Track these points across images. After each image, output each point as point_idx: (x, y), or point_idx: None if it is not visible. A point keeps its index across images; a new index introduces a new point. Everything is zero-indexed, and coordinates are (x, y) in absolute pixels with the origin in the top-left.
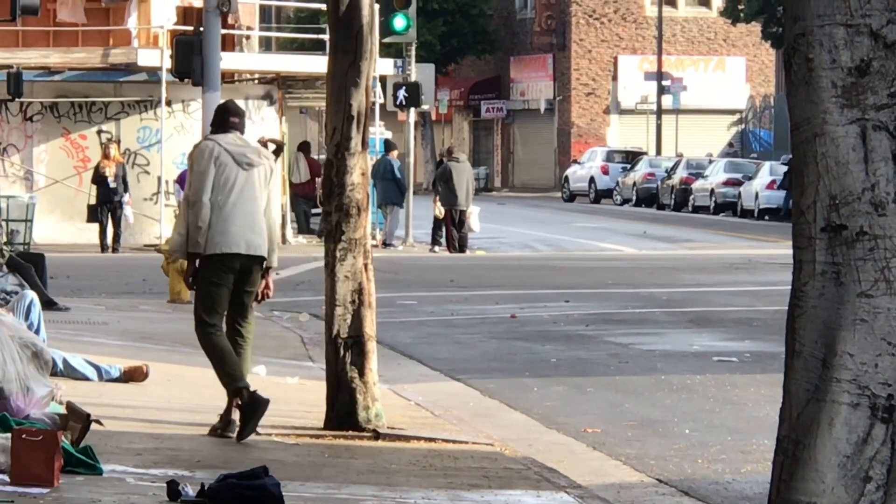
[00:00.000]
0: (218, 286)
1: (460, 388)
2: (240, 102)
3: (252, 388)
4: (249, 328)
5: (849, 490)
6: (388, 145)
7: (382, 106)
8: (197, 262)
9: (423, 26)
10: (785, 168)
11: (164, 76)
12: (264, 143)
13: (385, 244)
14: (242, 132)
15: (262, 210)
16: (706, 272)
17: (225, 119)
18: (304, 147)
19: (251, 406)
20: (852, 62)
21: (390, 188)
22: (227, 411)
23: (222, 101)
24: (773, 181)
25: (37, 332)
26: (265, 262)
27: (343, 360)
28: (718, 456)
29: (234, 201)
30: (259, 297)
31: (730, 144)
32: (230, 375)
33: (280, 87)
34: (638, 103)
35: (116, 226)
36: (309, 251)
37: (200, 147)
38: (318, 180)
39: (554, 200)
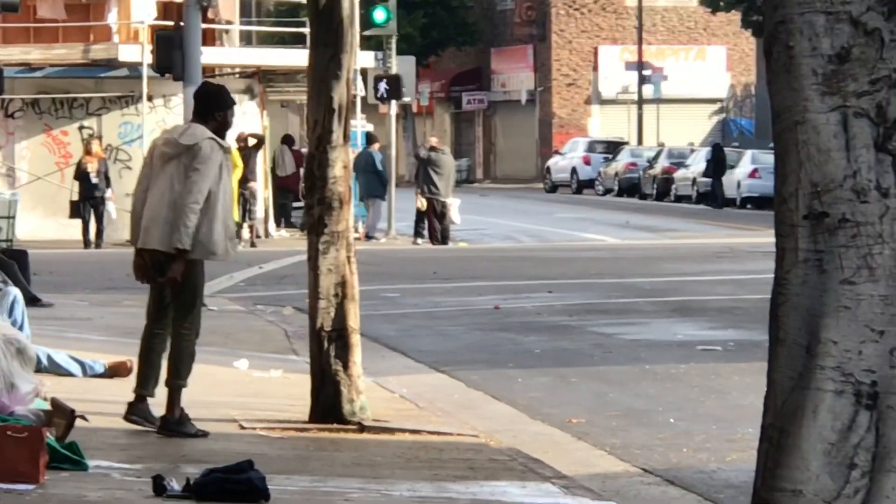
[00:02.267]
0: (142, 281)
1: (445, 379)
2: None
3: (146, 403)
4: (180, 335)
5: (834, 477)
6: (369, 138)
7: (364, 99)
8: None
9: (403, 18)
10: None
11: (145, 71)
12: (245, 138)
13: (368, 237)
14: (204, 114)
15: (168, 201)
16: (689, 261)
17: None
18: (287, 140)
19: (127, 412)
20: (833, 49)
21: (372, 181)
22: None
23: (209, 82)
24: (756, 170)
25: (20, 328)
26: (170, 248)
27: (327, 353)
28: (703, 445)
29: (148, 196)
30: (165, 278)
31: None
32: (136, 378)
33: (261, 81)
34: (619, 93)
35: (99, 222)
36: (292, 245)
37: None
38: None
39: (536, 191)
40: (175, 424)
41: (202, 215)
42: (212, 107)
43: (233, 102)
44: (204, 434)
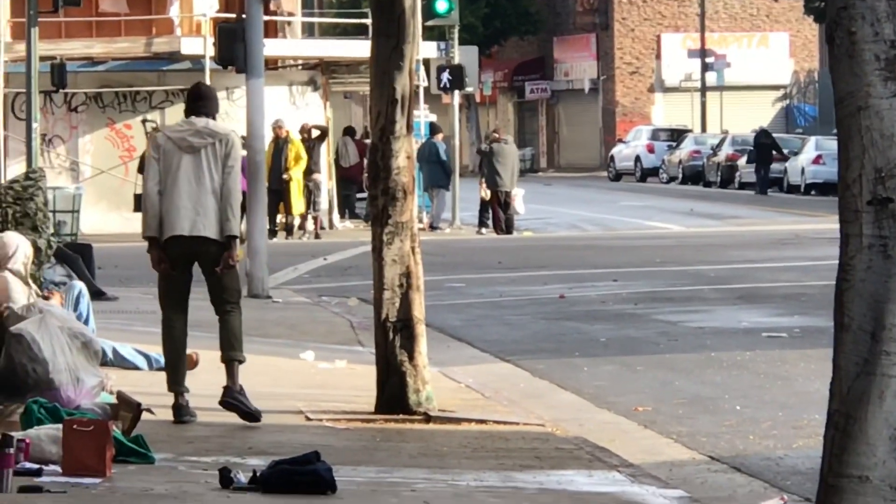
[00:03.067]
0: (166, 272)
1: (510, 369)
2: (283, 89)
3: (185, 401)
4: (228, 313)
5: None
6: (433, 128)
7: (426, 89)
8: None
9: (465, 8)
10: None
11: (208, 64)
12: (308, 130)
13: (432, 227)
14: (209, 114)
15: (210, 189)
16: (754, 248)
17: (189, 105)
18: (349, 131)
19: (176, 414)
20: (895, 34)
21: (436, 171)
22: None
23: (204, 84)
24: (819, 156)
25: (86, 322)
26: (223, 236)
27: (392, 343)
28: (770, 432)
29: (178, 186)
30: (221, 267)
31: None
32: (168, 376)
33: (324, 72)
34: (682, 81)
35: None
36: (356, 236)
37: (151, 139)
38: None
39: (600, 180)
40: (238, 394)
41: None
42: (212, 107)
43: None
44: (258, 417)
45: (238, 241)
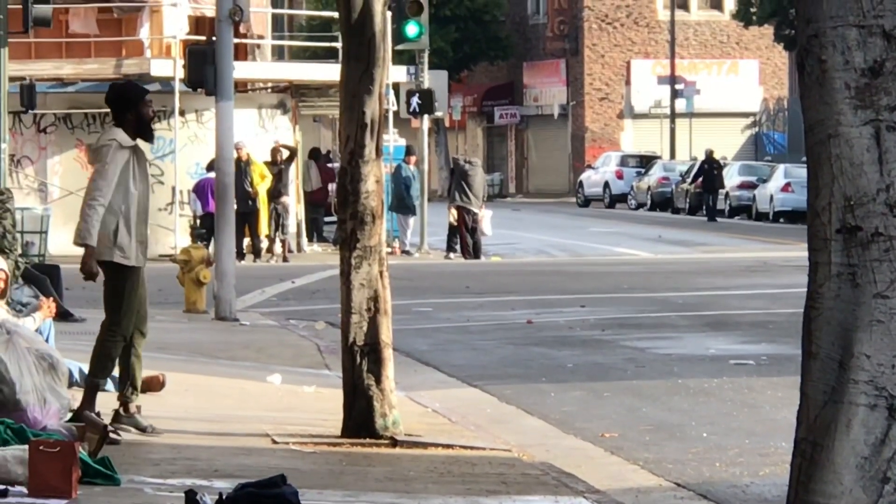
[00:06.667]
0: None
1: (477, 394)
2: (252, 112)
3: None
4: (100, 332)
5: (867, 491)
6: (408, 151)
7: (396, 113)
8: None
9: (435, 33)
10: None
11: (177, 86)
12: (277, 149)
13: (402, 251)
14: (119, 122)
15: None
16: (722, 275)
17: None
18: (314, 154)
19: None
20: (865, 63)
21: (402, 195)
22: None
23: (110, 87)
24: (788, 184)
25: (46, 342)
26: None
27: (360, 367)
28: (736, 459)
29: None
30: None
31: None
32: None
33: (293, 95)
34: (651, 107)
35: None
36: (324, 259)
37: None
38: (332, 187)
39: (568, 206)
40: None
41: (111, 216)
42: (122, 107)
43: (144, 92)
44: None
45: (86, 249)
